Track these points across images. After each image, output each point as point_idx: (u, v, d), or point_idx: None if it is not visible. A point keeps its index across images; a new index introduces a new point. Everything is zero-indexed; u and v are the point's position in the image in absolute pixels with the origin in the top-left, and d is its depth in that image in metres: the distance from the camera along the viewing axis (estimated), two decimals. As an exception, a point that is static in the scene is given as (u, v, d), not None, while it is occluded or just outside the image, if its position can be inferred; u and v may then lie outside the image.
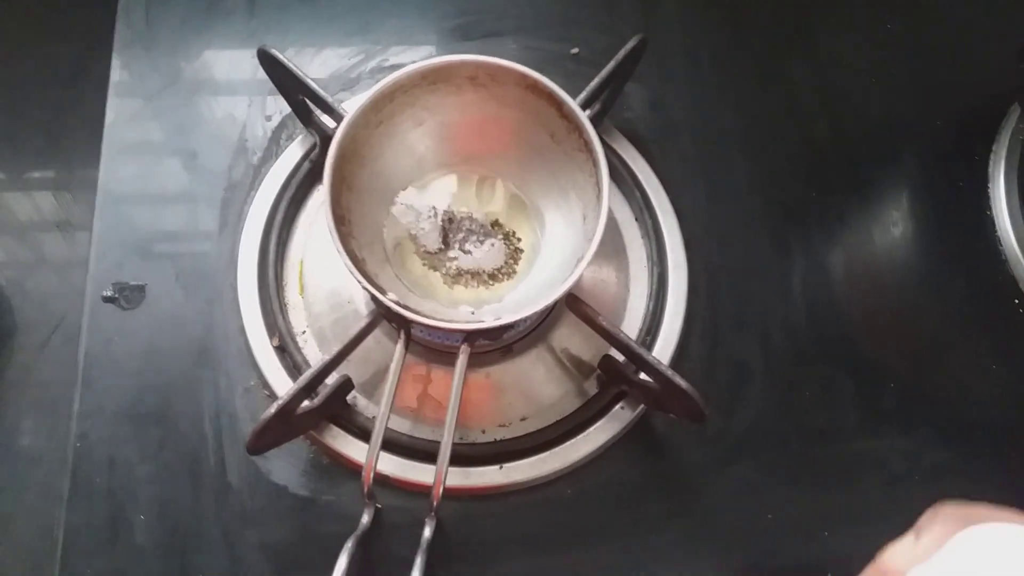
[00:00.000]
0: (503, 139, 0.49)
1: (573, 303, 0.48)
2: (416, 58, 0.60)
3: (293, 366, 0.49)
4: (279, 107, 0.57)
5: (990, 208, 0.57)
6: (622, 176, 0.56)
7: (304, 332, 0.51)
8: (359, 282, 0.41)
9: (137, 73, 0.59)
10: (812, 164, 0.58)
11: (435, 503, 0.42)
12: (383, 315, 0.46)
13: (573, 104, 0.45)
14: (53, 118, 0.79)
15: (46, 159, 0.80)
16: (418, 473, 0.47)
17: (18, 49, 0.75)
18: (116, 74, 0.59)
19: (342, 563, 0.40)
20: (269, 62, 0.51)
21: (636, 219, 0.56)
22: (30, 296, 0.77)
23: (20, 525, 0.65)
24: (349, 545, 0.41)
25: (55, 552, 0.46)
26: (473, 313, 0.47)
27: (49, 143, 0.79)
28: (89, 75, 0.74)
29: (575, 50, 0.61)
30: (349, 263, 0.41)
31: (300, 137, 0.56)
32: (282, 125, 0.57)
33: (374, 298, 0.42)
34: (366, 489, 0.42)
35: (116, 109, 0.57)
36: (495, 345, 0.49)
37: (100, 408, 0.48)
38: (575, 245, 0.46)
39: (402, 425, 0.48)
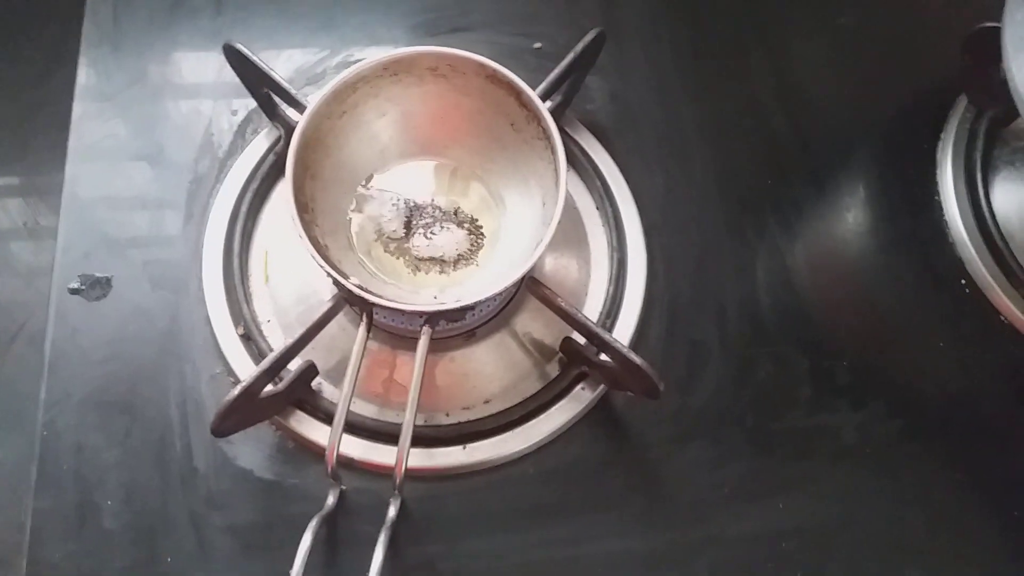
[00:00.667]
0: (465, 128, 0.51)
1: (534, 287, 0.49)
2: (381, 54, 0.62)
3: (258, 354, 0.50)
4: (245, 102, 0.58)
5: (938, 194, 0.59)
6: (583, 166, 0.57)
7: (269, 321, 0.51)
8: (321, 267, 0.42)
9: (104, 71, 0.59)
10: (768, 153, 0.60)
11: (398, 481, 0.43)
12: (346, 300, 0.47)
13: (531, 93, 0.46)
14: (21, 121, 0.79)
15: (14, 163, 0.80)
16: (384, 455, 0.48)
17: (-16, 52, 0.75)
18: (83, 72, 0.59)
19: (306, 541, 0.41)
20: (234, 57, 0.52)
21: (597, 208, 0.57)
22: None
23: (-14, 524, 0.65)
24: (313, 524, 0.42)
25: (23, 540, 0.46)
26: (436, 297, 0.48)
27: (16, 146, 0.79)
28: (56, 77, 0.75)
29: (537, 45, 0.63)
30: (311, 249, 0.42)
31: (265, 131, 0.57)
32: (247, 119, 0.58)
33: (336, 283, 0.43)
34: (329, 469, 0.42)
35: (83, 106, 0.58)
36: (458, 329, 0.50)
37: (67, 396, 0.48)
38: (535, 230, 0.47)
39: (368, 409, 0.49)
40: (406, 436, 0.42)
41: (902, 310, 0.56)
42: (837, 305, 0.55)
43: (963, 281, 0.56)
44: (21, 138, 0.79)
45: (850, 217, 0.59)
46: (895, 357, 0.54)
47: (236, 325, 0.50)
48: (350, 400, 0.43)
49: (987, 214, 0.57)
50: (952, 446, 0.51)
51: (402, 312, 0.43)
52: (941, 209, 0.59)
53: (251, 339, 0.50)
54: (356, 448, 0.48)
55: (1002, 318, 0.55)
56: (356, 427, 0.48)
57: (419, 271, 0.49)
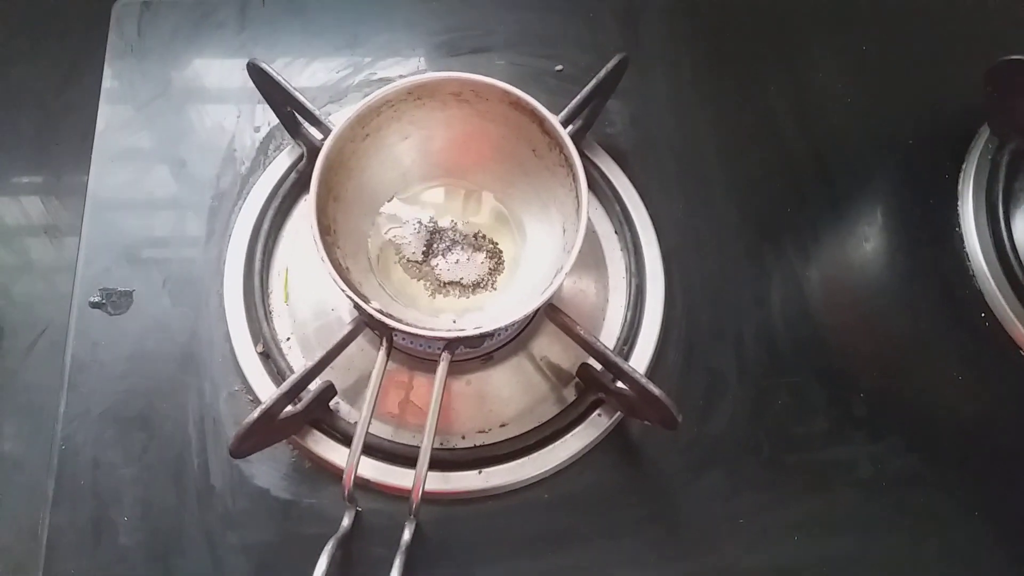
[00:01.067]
0: (487, 153, 0.51)
1: (552, 313, 0.49)
2: (403, 72, 0.62)
3: (277, 372, 0.50)
4: (267, 118, 0.58)
5: (959, 225, 0.59)
6: (603, 190, 0.57)
7: (288, 339, 0.52)
8: (343, 291, 0.42)
9: (128, 82, 0.60)
10: (787, 180, 0.60)
11: (414, 506, 0.43)
12: (366, 323, 0.47)
13: (554, 120, 0.46)
14: (43, 125, 0.79)
15: (35, 165, 0.81)
16: (398, 477, 0.48)
17: (9, 57, 0.76)
18: (107, 83, 0.60)
19: (322, 564, 0.41)
20: (258, 75, 0.52)
21: (616, 232, 0.57)
22: (16, 301, 0.78)
23: (2, 527, 0.65)
24: (329, 546, 0.42)
25: (39, 552, 0.46)
26: (455, 322, 0.48)
27: (38, 149, 0.80)
28: (79, 83, 0.75)
29: (559, 67, 0.63)
30: (333, 272, 0.42)
31: (288, 148, 0.57)
32: (270, 136, 0.58)
33: (357, 306, 0.43)
34: (347, 492, 0.42)
35: (107, 118, 0.58)
36: (476, 353, 0.50)
37: (86, 411, 0.49)
38: (555, 257, 0.47)
39: (383, 430, 0.49)
40: (423, 463, 0.42)
41: (920, 342, 0.55)
42: (854, 335, 0.55)
43: (983, 314, 0.56)
44: (43, 142, 0.80)
45: (869, 246, 0.59)
46: (912, 389, 0.54)
47: (255, 343, 0.51)
48: (368, 425, 0.43)
49: (1008, 247, 0.56)
50: (969, 480, 0.51)
51: (422, 337, 0.44)
52: (962, 240, 0.58)
53: (270, 357, 0.50)
54: (371, 470, 0.48)
55: (1022, 352, 0.55)
56: (372, 448, 0.48)
57: (438, 294, 0.49)
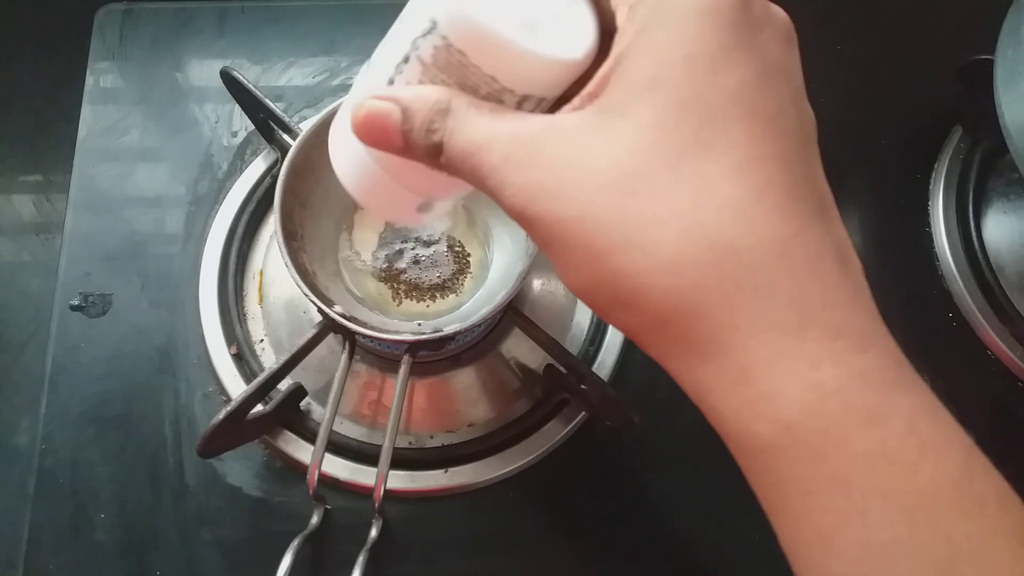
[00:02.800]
0: (454, 157, 0.51)
1: (516, 317, 0.50)
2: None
3: (250, 373, 0.51)
4: (244, 123, 0.59)
5: (929, 226, 0.59)
6: (574, 192, 0.58)
7: (262, 341, 0.53)
8: (306, 295, 0.43)
9: (109, 90, 0.61)
10: (759, 181, 0.60)
11: (377, 504, 0.44)
12: (329, 327, 0.48)
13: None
14: (34, 128, 0.81)
15: (28, 167, 0.83)
16: (369, 477, 0.49)
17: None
18: (89, 90, 0.61)
19: (286, 561, 0.43)
20: (231, 83, 0.53)
21: (586, 233, 0.58)
22: (9, 300, 0.80)
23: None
24: (295, 544, 0.44)
25: (20, 548, 0.48)
26: (420, 325, 0.49)
27: (31, 152, 0.81)
28: (71, 89, 0.77)
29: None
30: (296, 276, 0.43)
31: (264, 152, 0.58)
32: (247, 141, 0.59)
33: (320, 310, 0.44)
34: (311, 491, 0.44)
35: (88, 124, 0.60)
36: (441, 355, 0.51)
37: (65, 411, 0.50)
38: (519, 260, 0.48)
39: (355, 431, 0.51)
40: (385, 462, 0.44)
41: (888, 342, 0.56)
42: (822, 336, 0.56)
43: (951, 314, 0.56)
44: (36, 145, 0.81)
45: (840, 246, 0.59)
46: (878, 390, 0.54)
47: (229, 345, 0.52)
48: (331, 426, 0.44)
49: (977, 247, 0.57)
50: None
51: (382, 340, 0.45)
52: (931, 241, 0.59)
53: (243, 359, 0.52)
54: (343, 469, 0.49)
55: (989, 352, 0.55)
56: (343, 448, 0.50)
57: (405, 298, 0.50)
